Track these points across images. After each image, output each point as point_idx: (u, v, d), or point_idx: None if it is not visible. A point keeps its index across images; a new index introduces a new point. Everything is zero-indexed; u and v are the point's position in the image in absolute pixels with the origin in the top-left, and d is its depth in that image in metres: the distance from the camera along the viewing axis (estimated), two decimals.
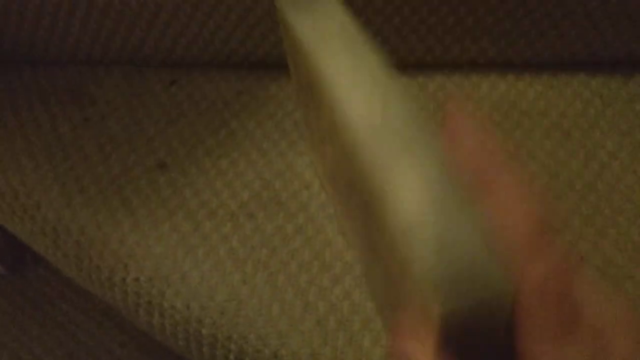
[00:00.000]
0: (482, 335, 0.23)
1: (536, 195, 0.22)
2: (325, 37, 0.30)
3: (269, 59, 0.51)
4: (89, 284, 0.46)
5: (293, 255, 0.40)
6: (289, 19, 0.31)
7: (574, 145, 0.45)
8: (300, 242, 0.40)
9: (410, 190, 0.24)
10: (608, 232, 0.40)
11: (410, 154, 0.25)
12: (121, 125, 0.49)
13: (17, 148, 0.48)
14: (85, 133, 0.48)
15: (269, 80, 0.51)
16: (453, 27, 0.46)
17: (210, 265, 0.40)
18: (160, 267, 0.40)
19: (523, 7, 0.45)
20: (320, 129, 0.37)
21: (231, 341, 0.38)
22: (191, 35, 0.49)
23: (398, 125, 0.26)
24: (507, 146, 0.45)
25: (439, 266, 0.22)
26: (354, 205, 0.33)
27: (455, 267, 0.22)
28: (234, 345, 0.38)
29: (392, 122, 0.27)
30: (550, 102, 0.48)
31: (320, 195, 0.43)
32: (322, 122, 0.36)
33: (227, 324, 0.38)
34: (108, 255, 0.42)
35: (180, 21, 0.48)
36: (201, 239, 0.41)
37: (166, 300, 0.40)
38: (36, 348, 0.61)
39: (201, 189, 0.44)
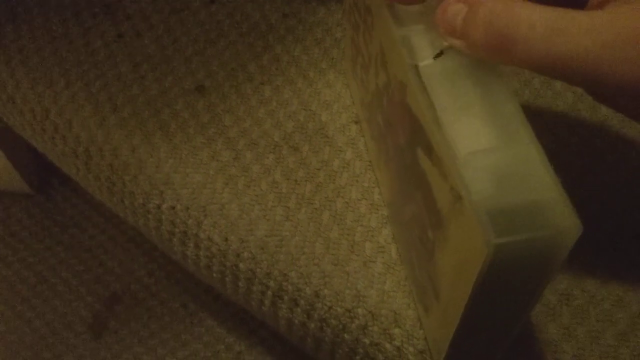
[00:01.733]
0: (532, 274, 0.22)
1: None
2: None
3: None
4: (121, 209, 0.44)
5: (339, 192, 0.37)
6: None
7: None
8: (347, 179, 0.38)
9: (473, 120, 0.23)
10: None
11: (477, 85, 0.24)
12: (157, 44, 0.46)
13: (49, 63, 0.45)
14: (120, 50, 0.45)
15: (316, 3, 0.47)
16: None
17: (251, 198, 0.38)
18: (198, 197, 0.38)
19: None
20: (369, 53, 0.34)
21: (270, 278, 0.36)
22: None
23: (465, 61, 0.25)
24: None
25: (496, 195, 0.21)
26: (392, 132, 0.31)
27: (513, 198, 0.21)
28: (273, 282, 0.36)
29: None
30: None
31: None
32: (372, 47, 0.33)
33: (267, 259, 0.36)
34: (143, 181, 0.40)
35: None
36: (241, 169, 0.39)
37: (203, 231, 0.38)
38: (63, 271, 0.60)
39: (242, 117, 0.41)
